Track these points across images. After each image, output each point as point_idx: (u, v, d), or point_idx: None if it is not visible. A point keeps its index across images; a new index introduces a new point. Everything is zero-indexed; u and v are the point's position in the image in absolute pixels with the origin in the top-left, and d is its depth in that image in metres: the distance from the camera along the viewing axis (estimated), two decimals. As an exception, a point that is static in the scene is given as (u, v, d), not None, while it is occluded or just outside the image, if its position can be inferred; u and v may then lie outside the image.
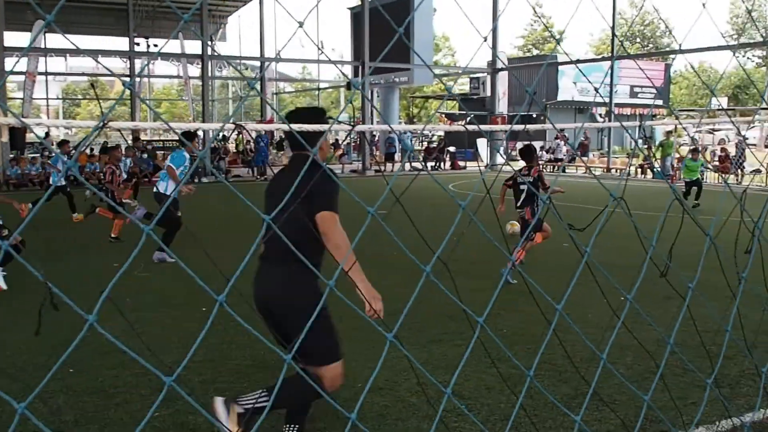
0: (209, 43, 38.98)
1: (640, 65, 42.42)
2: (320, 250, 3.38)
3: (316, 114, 3.65)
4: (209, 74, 30.82)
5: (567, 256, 9.24)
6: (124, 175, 12.98)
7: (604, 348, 4.46)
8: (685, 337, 5.72)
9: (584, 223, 3.56)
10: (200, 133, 25.98)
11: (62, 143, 16.36)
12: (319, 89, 50.29)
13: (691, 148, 18.40)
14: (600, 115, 40.71)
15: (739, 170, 23.63)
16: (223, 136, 26.83)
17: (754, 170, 22.32)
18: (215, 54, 32.20)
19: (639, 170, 26.91)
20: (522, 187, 8.36)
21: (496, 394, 4.73)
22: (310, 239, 3.25)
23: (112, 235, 11.34)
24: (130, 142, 23.98)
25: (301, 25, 1.98)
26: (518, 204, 8.46)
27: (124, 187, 11.76)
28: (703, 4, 2.63)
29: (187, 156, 9.79)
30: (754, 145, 30.57)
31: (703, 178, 16.67)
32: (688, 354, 5.43)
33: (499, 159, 32.69)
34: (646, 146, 33.04)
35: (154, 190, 9.72)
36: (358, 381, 4.94)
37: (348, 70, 32.22)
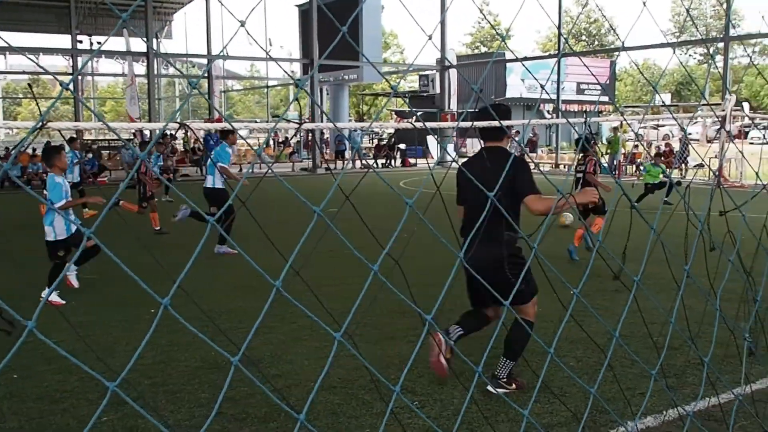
0: (154, 40, 38.38)
1: (585, 62, 43.09)
2: (518, 221, 4.54)
3: (506, 111, 4.66)
4: (155, 72, 30.33)
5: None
6: (157, 170, 13.41)
7: (554, 341, 4.48)
8: (634, 329, 5.82)
9: (532, 216, 3.60)
10: (146, 132, 25.60)
11: (71, 140, 15.87)
12: (267, 87, 49.94)
13: (654, 153, 18.78)
14: (548, 111, 41.28)
15: (683, 165, 24.19)
16: (171, 135, 26.43)
17: (696, 165, 22.87)
18: (161, 52, 31.70)
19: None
20: (579, 175, 9.52)
21: (449, 390, 4.75)
22: (513, 214, 4.41)
23: (156, 228, 11.70)
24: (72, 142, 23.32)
25: (242, 24, 1.95)
26: (577, 189, 9.46)
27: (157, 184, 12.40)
28: (644, 3, 2.67)
29: (230, 150, 10.31)
30: (697, 140, 31.38)
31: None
32: (637, 345, 5.54)
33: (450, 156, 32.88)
34: (592, 142, 33.54)
35: (204, 185, 10.02)
36: (311, 380, 4.92)
37: (297, 67, 32.06)
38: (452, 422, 4.23)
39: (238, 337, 5.47)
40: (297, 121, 2.09)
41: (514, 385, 4.77)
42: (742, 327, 4.04)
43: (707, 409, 4.44)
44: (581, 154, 9.63)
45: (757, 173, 2.46)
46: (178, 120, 3.33)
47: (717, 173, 3.65)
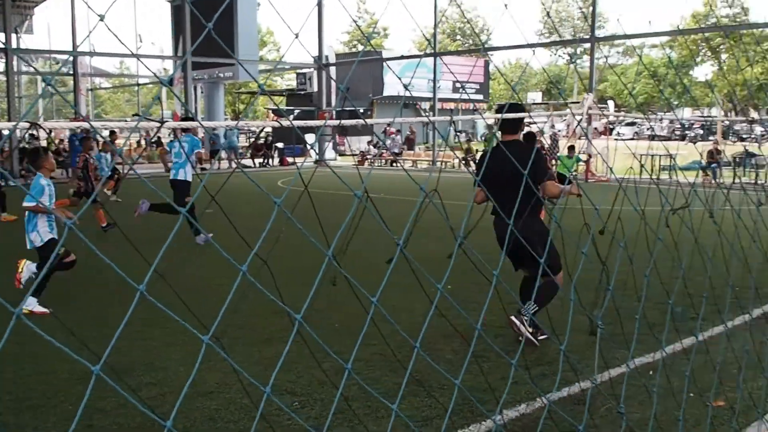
0: (13, 35, 36.29)
1: (461, 62, 44.21)
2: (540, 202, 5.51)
3: (522, 107, 5.89)
4: (14, 69, 28.70)
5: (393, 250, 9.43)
6: (106, 170, 13.16)
7: (428, 335, 4.55)
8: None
9: (403, 214, 3.62)
10: (5, 132, 24.18)
11: None
12: (138, 85, 48.23)
13: (568, 144, 19.40)
14: (424, 110, 42.06)
15: (553, 161, 25.23)
16: (32, 135, 25.08)
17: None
18: (20, 47, 29.99)
19: (462, 163, 27.95)
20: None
21: (329, 389, 4.74)
22: (537, 197, 5.20)
23: (102, 225, 11.20)
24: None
25: (101, 18, 1.85)
26: None
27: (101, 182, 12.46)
28: (506, 5, 2.75)
29: (197, 138, 10.62)
30: (566, 136, 32.79)
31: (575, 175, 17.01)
32: (511, 337, 5.73)
33: (328, 155, 32.90)
34: (467, 140, 34.54)
35: (171, 177, 10.21)
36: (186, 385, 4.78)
37: (170, 65, 31.14)
38: (334, 421, 4.22)
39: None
40: (158, 120, 2.01)
41: (537, 333, 5.61)
42: (595, 314, 4.24)
43: (576, 394, 4.65)
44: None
45: (611, 168, 2.58)
46: (40, 121, 3.16)
47: (571, 170, 3.82)
